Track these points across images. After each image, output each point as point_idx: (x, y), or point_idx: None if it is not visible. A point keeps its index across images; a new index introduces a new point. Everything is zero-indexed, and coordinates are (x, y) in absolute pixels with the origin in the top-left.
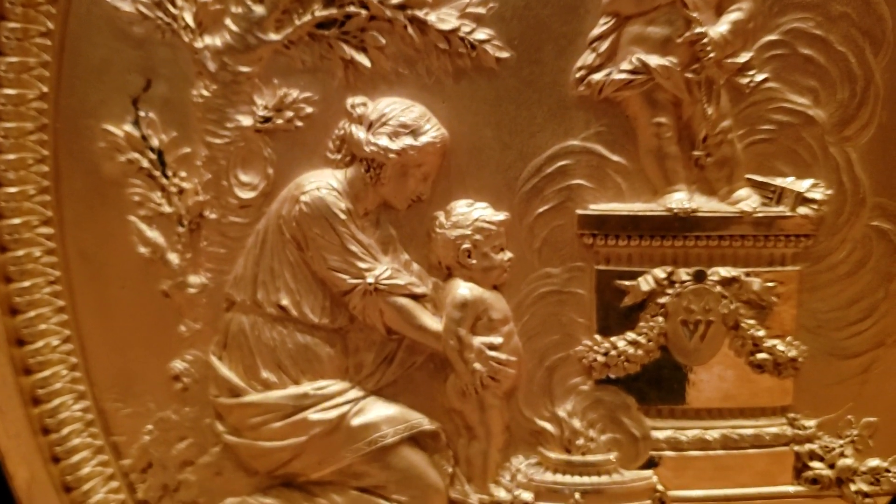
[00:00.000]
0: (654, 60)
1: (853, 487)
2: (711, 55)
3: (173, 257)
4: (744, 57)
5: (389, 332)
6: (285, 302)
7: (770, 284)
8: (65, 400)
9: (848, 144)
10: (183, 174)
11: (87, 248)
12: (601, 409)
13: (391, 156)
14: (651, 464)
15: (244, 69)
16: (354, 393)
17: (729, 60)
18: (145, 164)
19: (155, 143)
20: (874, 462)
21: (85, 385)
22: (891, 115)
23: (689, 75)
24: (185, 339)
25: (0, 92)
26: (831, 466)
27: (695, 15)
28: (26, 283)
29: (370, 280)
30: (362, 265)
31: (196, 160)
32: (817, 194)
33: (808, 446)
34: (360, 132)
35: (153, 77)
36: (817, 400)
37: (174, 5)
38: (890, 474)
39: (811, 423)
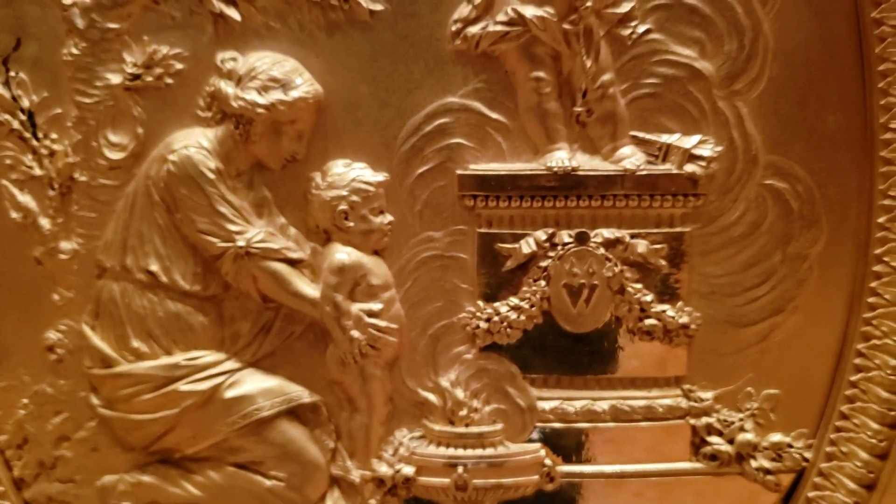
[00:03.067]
0: (529, 11)
1: (754, 464)
2: (588, 4)
3: (45, 222)
4: (625, 6)
5: (265, 299)
6: (154, 267)
7: (657, 247)
8: None
9: (738, 99)
10: (54, 136)
11: None
12: (485, 379)
13: (259, 110)
14: (538, 437)
15: (113, 26)
16: (230, 364)
17: (609, 10)
18: (16, 125)
19: (25, 103)
20: (776, 437)
21: None
22: (782, 68)
23: (567, 26)
24: (58, 308)
25: None
26: (731, 441)
27: None
28: None
29: (241, 243)
30: (233, 228)
31: (66, 121)
32: (706, 151)
33: (705, 420)
34: (228, 87)
35: (23, 36)
36: (714, 370)
37: None
38: (793, 450)
39: (708, 394)
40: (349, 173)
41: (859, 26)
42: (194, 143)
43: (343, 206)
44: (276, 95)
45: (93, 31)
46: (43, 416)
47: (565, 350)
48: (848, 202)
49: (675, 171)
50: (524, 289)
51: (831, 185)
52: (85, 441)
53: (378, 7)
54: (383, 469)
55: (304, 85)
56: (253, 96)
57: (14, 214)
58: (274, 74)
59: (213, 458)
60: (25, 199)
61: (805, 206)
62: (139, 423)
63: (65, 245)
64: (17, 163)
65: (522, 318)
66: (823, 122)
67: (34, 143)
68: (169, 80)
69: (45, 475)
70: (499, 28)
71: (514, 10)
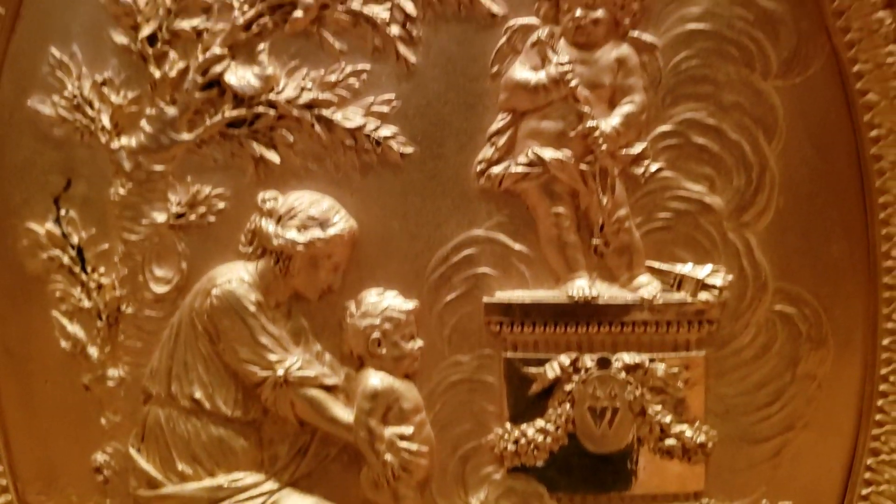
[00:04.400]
0: (548, 153)
1: None
2: (604, 147)
3: (93, 351)
4: (638, 147)
5: (302, 423)
6: (198, 395)
7: (675, 370)
8: None
9: (747, 230)
10: (102, 270)
11: (11, 343)
12: (514, 498)
13: (299, 248)
14: None
15: (158, 168)
16: (269, 485)
17: (623, 151)
18: (66, 260)
19: (75, 240)
20: None
21: (7, 479)
22: (787, 201)
23: (584, 167)
24: (105, 432)
25: None
26: None
27: (586, 109)
28: None
29: (280, 372)
30: (272, 357)
31: (114, 256)
32: (718, 280)
33: None
34: (269, 225)
35: (73, 177)
36: (730, 485)
37: (92, 108)
38: None
39: None
40: (382, 302)
41: (860, 161)
42: (236, 277)
43: (376, 335)
44: (314, 233)
45: (139, 172)
46: None
47: (590, 469)
48: (854, 325)
49: (689, 300)
50: (549, 411)
51: (838, 309)
52: None
53: (408, 150)
54: None
55: (341, 222)
56: (293, 234)
57: (64, 344)
58: (312, 213)
59: None
60: (75, 329)
61: (813, 328)
62: None
63: (112, 372)
64: (66, 295)
65: (548, 440)
66: (828, 250)
67: (83, 276)
68: (212, 218)
69: None
70: (520, 169)
71: (534, 153)
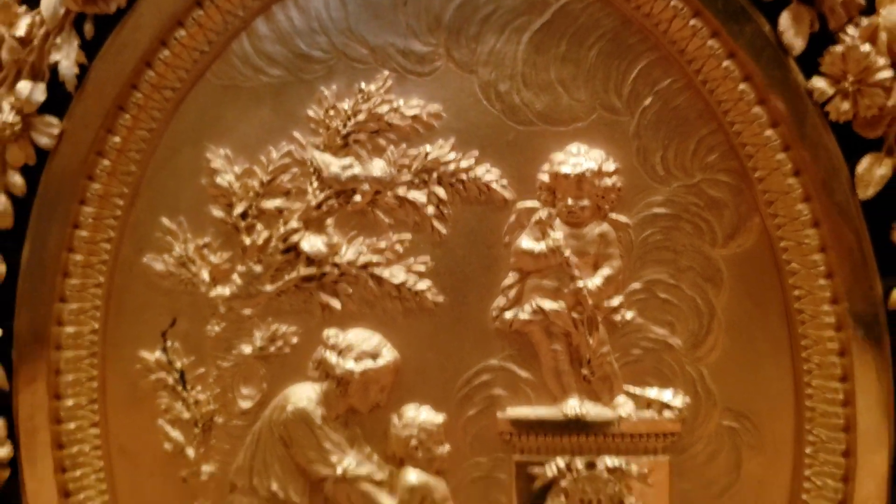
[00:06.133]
0: (548, 305)
1: None
2: (590, 301)
3: (190, 452)
4: (616, 300)
5: None
6: (275, 487)
7: (645, 471)
8: None
9: (700, 363)
10: (199, 388)
11: (125, 444)
12: None
13: (355, 376)
14: None
15: (246, 312)
16: None
17: (605, 304)
18: (170, 381)
19: (178, 365)
20: None
21: None
22: (731, 341)
23: (575, 315)
24: None
25: (63, 330)
26: None
27: (576, 272)
28: (78, 473)
29: (339, 471)
30: (333, 458)
31: (209, 378)
32: (677, 402)
33: None
34: (332, 357)
35: (178, 317)
36: None
37: (194, 265)
38: None
39: None
40: (419, 416)
41: (787, 313)
42: (306, 396)
43: (414, 442)
44: (367, 364)
45: (231, 314)
46: None
47: None
48: (785, 436)
49: (656, 417)
50: (549, 502)
51: (772, 423)
52: None
53: (440, 299)
54: None
55: (388, 354)
56: (350, 365)
57: (167, 445)
58: (365, 348)
59: None
60: (176, 434)
61: (753, 438)
62: None
63: (205, 468)
64: (170, 408)
65: None
66: (764, 379)
67: (184, 394)
68: (287, 350)
69: None
70: (526, 316)
71: (537, 304)
